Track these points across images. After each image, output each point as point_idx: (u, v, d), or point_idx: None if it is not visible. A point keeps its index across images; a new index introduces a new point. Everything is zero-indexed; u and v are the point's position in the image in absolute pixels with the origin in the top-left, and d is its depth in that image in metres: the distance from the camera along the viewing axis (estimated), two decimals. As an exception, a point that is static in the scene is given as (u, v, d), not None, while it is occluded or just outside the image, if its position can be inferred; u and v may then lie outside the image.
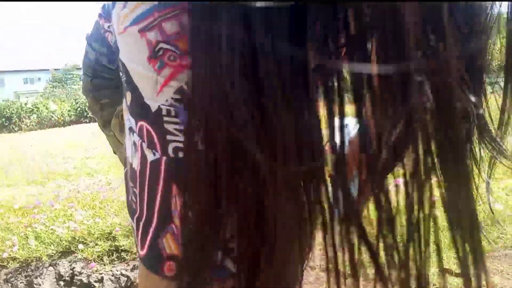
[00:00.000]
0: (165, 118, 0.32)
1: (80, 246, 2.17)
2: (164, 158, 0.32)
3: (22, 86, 34.48)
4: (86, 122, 13.79)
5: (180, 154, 0.32)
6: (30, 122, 14.29)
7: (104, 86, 0.65)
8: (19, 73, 37.28)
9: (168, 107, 0.32)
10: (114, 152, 0.72)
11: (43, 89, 24.92)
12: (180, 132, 0.32)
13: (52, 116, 14.44)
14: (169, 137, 0.32)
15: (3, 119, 14.39)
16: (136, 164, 0.34)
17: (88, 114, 14.36)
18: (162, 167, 0.32)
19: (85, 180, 3.72)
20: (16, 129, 14.20)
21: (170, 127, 0.32)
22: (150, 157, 0.33)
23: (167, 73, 0.31)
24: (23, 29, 75.92)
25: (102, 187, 3.14)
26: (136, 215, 0.34)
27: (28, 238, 2.27)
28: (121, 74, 0.35)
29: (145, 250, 0.34)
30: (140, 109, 0.33)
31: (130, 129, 0.34)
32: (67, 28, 78.50)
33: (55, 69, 31.36)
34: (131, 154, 0.34)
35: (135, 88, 0.33)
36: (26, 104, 14.81)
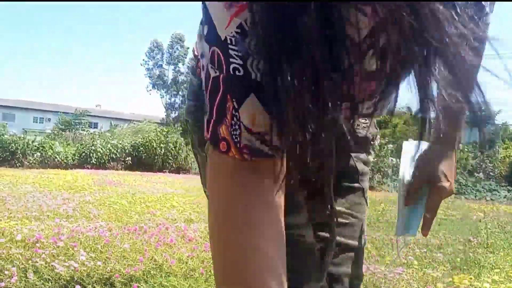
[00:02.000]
0: (230, 46, 0.49)
1: (77, 287, 2.18)
2: (222, 75, 0.50)
3: (31, 124, 35.13)
4: (88, 168, 13.86)
5: (237, 72, 0.49)
6: (34, 159, 14.37)
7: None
8: (30, 112, 38.15)
9: (231, 37, 0.49)
10: (200, 172, 0.85)
11: (51, 130, 25.36)
12: (238, 57, 0.49)
13: (56, 157, 14.55)
14: (231, 59, 0.49)
15: (7, 154, 14.50)
16: (203, 78, 0.53)
17: (91, 160, 14.47)
18: (221, 82, 0.50)
19: (84, 223, 3.73)
20: (18, 165, 14.24)
21: (232, 52, 0.49)
22: (212, 74, 0.51)
23: (233, 11, 0.49)
24: (38, 68, 78.96)
25: (104, 232, 3.16)
26: (207, 113, 0.53)
27: (27, 271, 2.28)
28: (203, 17, 0.54)
29: (209, 135, 0.53)
30: (214, 38, 0.51)
31: (202, 54, 0.53)
32: (80, 74, 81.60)
33: (64, 112, 32.14)
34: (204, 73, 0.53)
35: (211, 22, 0.51)
36: (32, 141, 15.01)
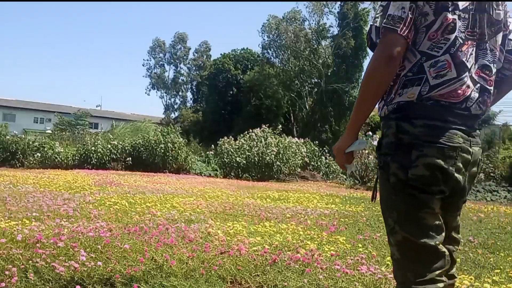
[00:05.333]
0: None
1: None
2: None
3: (32, 124, 35.15)
4: (88, 168, 13.86)
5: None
6: (34, 160, 14.38)
7: None
8: (31, 112, 38.16)
9: None
10: None
11: (51, 130, 25.42)
12: None
13: (56, 157, 14.55)
14: None
15: (8, 154, 14.51)
16: None
17: (91, 160, 14.45)
18: None
19: (84, 223, 3.73)
20: (18, 165, 14.26)
21: None
22: None
23: None
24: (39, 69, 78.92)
25: (104, 233, 3.16)
26: None
27: (28, 271, 2.28)
28: None
29: None
30: None
31: None
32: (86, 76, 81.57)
33: (64, 113, 32.13)
34: None
35: None
36: (33, 142, 15.02)
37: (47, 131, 24.61)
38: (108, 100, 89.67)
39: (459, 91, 1.28)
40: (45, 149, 14.73)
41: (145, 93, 41.64)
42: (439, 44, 1.28)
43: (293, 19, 30.60)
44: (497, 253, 3.78)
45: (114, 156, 14.93)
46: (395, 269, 1.37)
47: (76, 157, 14.81)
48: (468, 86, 1.30)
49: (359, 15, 26.60)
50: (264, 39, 31.48)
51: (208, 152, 17.39)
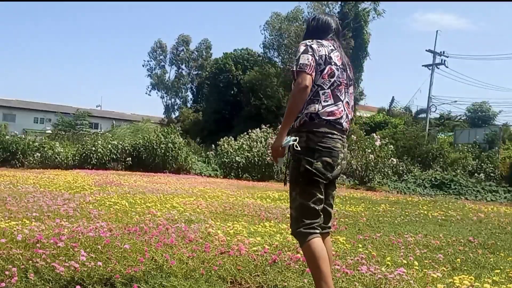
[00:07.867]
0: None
1: None
2: None
3: (32, 124, 35.16)
4: (88, 168, 13.86)
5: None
6: (34, 160, 14.37)
7: None
8: (31, 112, 38.18)
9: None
10: None
11: (51, 130, 25.46)
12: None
13: (56, 158, 14.55)
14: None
15: (8, 154, 14.51)
16: None
17: (91, 160, 14.44)
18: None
19: (84, 223, 3.73)
20: (18, 165, 14.26)
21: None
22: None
23: None
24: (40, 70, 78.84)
25: (104, 233, 3.16)
26: None
27: (28, 271, 2.28)
28: None
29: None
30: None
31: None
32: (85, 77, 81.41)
33: (64, 113, 32.13)
34: None
35: None
36: (33, 142, 15.02)
37: (47, 131, 24.60)
38: (108, 100, 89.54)
39: (337, 112, 2.17)
40: (45, 149, 14.73)
41: (146, 93, 41.54)
42: (326, 82, 2.16)
43: (295, 19, 30.54)
44: (497, 253, 3.78)
45: (114, 156, 14.92)
46: (291, 223, 2.18)
47: (76, 157, 14.80)
48: (342, 110, 2.19)
49: (359, 15, 26.58)
50: (265, 37, 31.42)
51: (208, 152, 17.37)
